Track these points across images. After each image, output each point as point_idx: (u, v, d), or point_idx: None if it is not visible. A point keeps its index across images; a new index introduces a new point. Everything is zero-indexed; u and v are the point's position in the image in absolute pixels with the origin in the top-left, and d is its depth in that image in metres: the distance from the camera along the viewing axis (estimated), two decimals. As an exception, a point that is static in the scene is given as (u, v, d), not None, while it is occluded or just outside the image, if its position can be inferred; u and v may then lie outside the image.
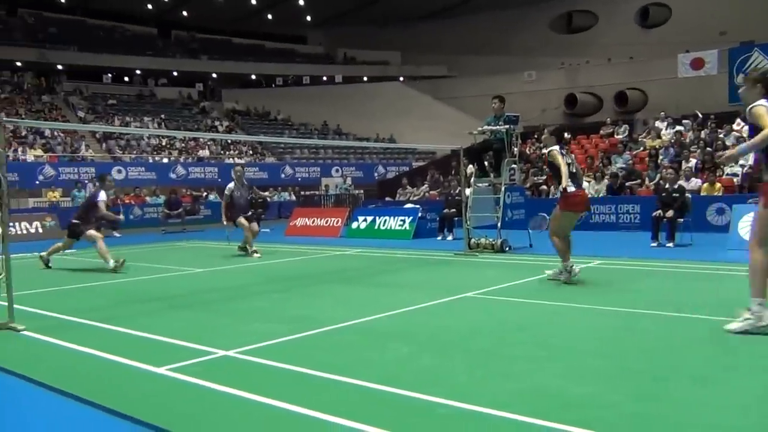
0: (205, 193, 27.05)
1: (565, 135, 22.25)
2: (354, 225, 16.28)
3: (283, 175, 32.30)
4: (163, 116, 35.91)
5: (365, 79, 47.99)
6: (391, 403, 3.60)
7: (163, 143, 32.32)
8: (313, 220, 17.35)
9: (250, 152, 34.61)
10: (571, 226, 7.73)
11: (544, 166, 18.65)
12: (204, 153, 32.62)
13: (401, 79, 47.40)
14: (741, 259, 9.34)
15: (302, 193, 28.86)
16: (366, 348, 4.88)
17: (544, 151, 7.98)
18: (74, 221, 10.81)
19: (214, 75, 46.37)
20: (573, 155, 8.37)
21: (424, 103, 42.76)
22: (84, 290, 8.41)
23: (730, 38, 31.50)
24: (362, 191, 27.19)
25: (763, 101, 5.00)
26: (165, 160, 30.43)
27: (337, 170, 33.83)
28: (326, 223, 16.96)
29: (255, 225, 12.43)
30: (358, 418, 3.31)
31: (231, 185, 12.46)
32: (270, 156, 35.06)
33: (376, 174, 34.55)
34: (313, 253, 12.39)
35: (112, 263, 10.03)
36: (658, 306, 5.99)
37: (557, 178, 7.66)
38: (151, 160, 30.03)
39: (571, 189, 7.41)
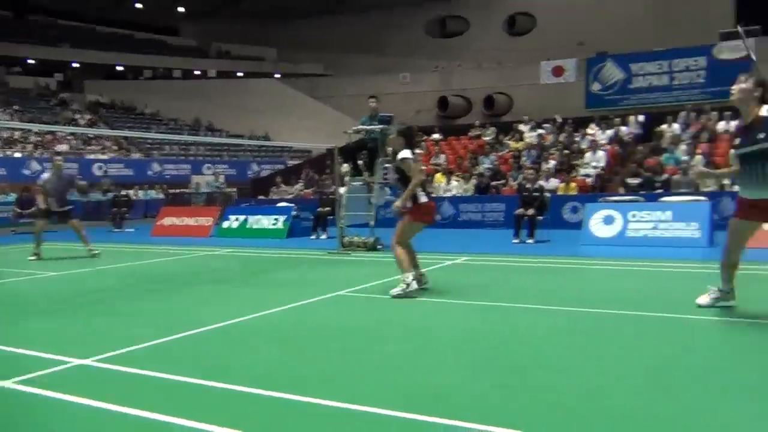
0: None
1: (436, 135, 22.97)
2: (225, 224, 15.87)
3: (150, 172, 30.89)
4: (16, 107, 33.11)
5: (240, 74, 46.92)
6: (263, 405, 3.55)
7: (16, 136, 29.85)
8: (183, 220, 16.70)
9: (115, 148, 32.77)
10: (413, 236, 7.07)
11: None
12: (63, 148, 30.44)
13: (277, 76, 46.81)
14: (593, 254, 10.15)
15: (171, 191, 27.76)
16: (237, 350, 4.78)
17: (399, 157, 6.76)
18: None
19: (76, 64, 43.42)
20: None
21: (301, 101, 42.49)
22: None
23: (587, 49, 33.93)
24: (235, 190, 26.60)
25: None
26: (18, 155, 28.14)
27: (208, 168, 32.83)
28: (196, 222, 16.40)
29: (75, 221, 11.85)
30: (229, 423, 3.23)
31: (45, 175, 11.78)
32: (137, 152, 33.37)
33: (249, 172, 33.91)
34: (182, 254, 11.96)
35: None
36: (520, 299, 6.34)
37: (406, 185, 6.73)
38: (1, 155, 27.66)
39: (424, 199, 6.76)
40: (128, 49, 44.71)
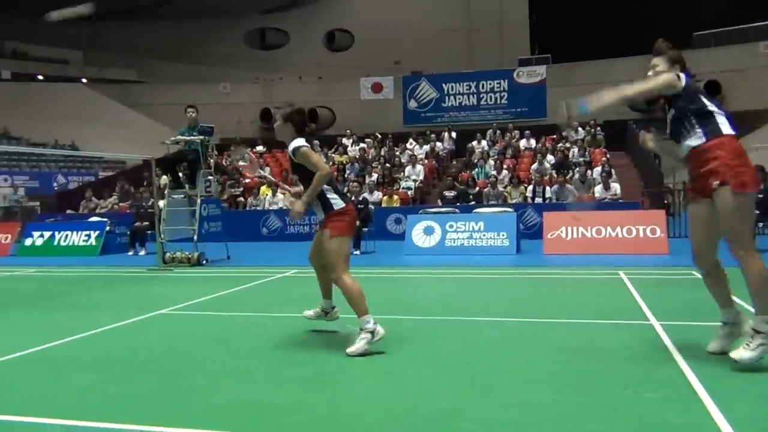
0: None
1: (260, 147, 22.73)
2: (28, 242, 14.37)
3: (-69, 184, 27.13)
4: None
5: (40, 77, 42.87)
6: (72, 438, 3.25)
7: None
8: (-26, 237, 14.87)
9: None
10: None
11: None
12: None
13: (84, 80, 43.45)
14: (415, 263, 10.62)
15: (-42, 205, 24.56)
16: (42, 380, 4.31)
17: (291, 147, 4.91)
18: None
19: None
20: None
21: (111, 108, 39.75)
22: None
23: (403, 68, 35.58)
24: (38, 203, 24.21)
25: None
26: None
27: (5, 179, 29.52)
28: (-9, 239, 14.69)
29: None
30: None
31: None
32: None
33: (55, 184, 31.00)
34: (-26, 276, 10.62)
35: None
36: (346, 310, 6.42)
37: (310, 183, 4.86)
38: None
39: (340, 204, 4.91)
40: None
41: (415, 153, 20.20)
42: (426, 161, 19.49)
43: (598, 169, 16.33)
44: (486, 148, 19.79)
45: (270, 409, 3.57)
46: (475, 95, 29.73)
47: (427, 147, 20.94)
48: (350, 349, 4.64)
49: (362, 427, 3.31)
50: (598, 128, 20.62)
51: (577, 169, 16.77)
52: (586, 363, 4.31)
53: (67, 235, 14.17)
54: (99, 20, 43.43)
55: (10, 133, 34.95)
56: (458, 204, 14.71)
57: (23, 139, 34.01)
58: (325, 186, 4.86)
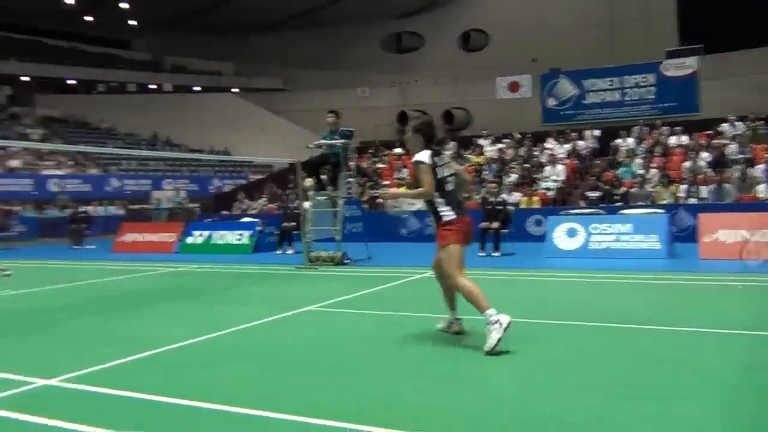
0: (17, 208, 24.52)
1: (398, 150, 23.10)
2: (189, 240, 15.60)
3: (108, 188, 30.19)
4: (-37, 122, 32.08)
5: (197, 89, 46.41)
6: (232, 422, 3.49)
7: (-36, 152, 28.88)
8: (144, 236, 16.35)
9: (71, 163, 31.96)
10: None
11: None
12: (15, 163, 29.57)
13: (235, 90, 46.46)
14: (557, 266, 10.31)
15: (131, 206, 27.18)
16: (204, 368, 4.68)
17: (414, 159, 5.17)
18: None
19: (26, 78, 42.30)
20: (454, 163, 5.48)
21: (259, 115, 42.23)
22: None
23: (540, 65, 34.67)
24: (198, 205, 26.21)
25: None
26: (-34, 171, 27.23)
27: (169, 183, 32.27)
28: (159, 238, 16.07)
29: None
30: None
31: None
32: (93, 167, 32.63)
33: (211, 187, 33.45)
34: (145, 271, 11.69)
35: None
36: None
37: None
38: (-50, 171, 26.72)
39: (450, 216, 5.10)
40: (79, 62, 43.83)
41: (555, 152, 19.60)
42: (567, 160, 18.87)
43: (761, 167, 14.96)
44: (632, 145, 18.80)
45: (412, 406, 3.63)
46: (618, 91, 28.32)
47: (567, 146, 20.25)
48: (487, 346, 4.65)
49: (497, 428, 3.28)
50: (761, 122, 18.88)
51: (737, 166, 15.46)
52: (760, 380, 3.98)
53: (222, 235, 15.23)
54: (249, 33, 46.32)
55: (172, 141, 38.17)
56: (603, 205, 14.08)
57: (183, 146, 36.99)
58: (438, 199, 5.08)
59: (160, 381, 4.30)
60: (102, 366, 4.68)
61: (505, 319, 4.72)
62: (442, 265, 5.19)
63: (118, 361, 4.82)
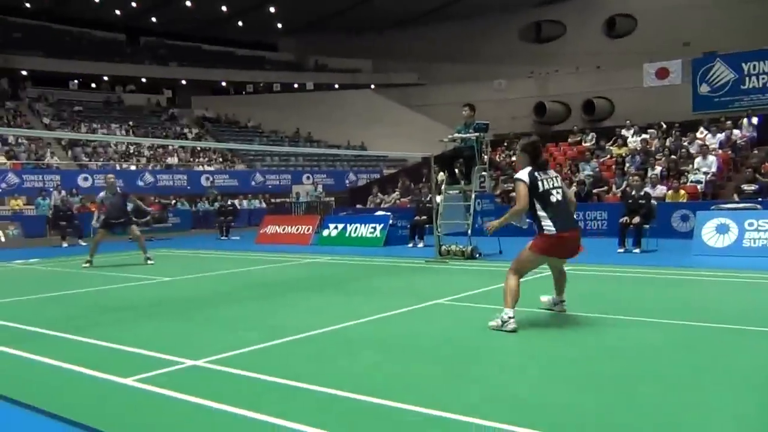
0: (174, 201, 26.72)
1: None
2: (325, 232, 16.21)
3: (253, 183, 32.10)
4: (130, 123, 35.40)
5: (336, 86, 47.98)
6: (362, 410, 3.60)
7: (131, 150, 31.89)
8: (284, 228, 17.23)
9: (220, 159, 34.33)
10: (534, 269, 6.05)
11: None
12: (173, 160, 32.23)
13: (372, 86, 47.50)
14: (705, 264, 9.59)
15: (273, 200, 28.68)
16: (338, 356, 4.86)
17: (515, 177, 5.74)
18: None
19: (183, 82, 45.93)
20: (559, 179, 5.79)
21: (394, 110, 42.87)
22: (49, 300, 8.23)
23: (693, 49, 32.28)
24: (333, 199, 27.12)
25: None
26: (132, 168, 30.01)
27: (308, 177, 33.72)
28: (297, 230, 16.87)
29: (135, 229, 12.80)
30: (329, 426, 3.30)
31: (102, 194, 12.79)
32: (240, 163, 34.81)
33: (347, 181, 34.53)
34: (284, 261, 12.32)
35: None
36: (626, 311, 6.08)
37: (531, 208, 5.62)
38: (118, 168, 29.60)
39: (550, 230, 5.45)
40: (231, 65, 46.82)
41: (707, 142, 18.20)
42: (720, 151, 17.46)
43: None
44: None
45: (545, 406, 3.55)
46: (783, 73, 25.81)
47: (721, 135, 18.73)
48: (490, 323, 5.51)
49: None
50: None
51: None
52: None
53: (356, 227, 15.66)
54: (386, 30, 47.13)
55: (312, 137, 39.81)
56: (760, 199, 12.88)
57: (322, 141, 38.46)
58: (541, 213, 5.49)
59: (297, 367, 4.51)
60: (244, 350, 4.99)
61: (510, 326, 5.35)
62: (518, 258, 5.69)
63: (259, 346, 5.12)
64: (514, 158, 20.73)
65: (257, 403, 3.67)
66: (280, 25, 48.88)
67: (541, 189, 5.48)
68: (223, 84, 47.68)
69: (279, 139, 39.47)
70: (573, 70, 40.54)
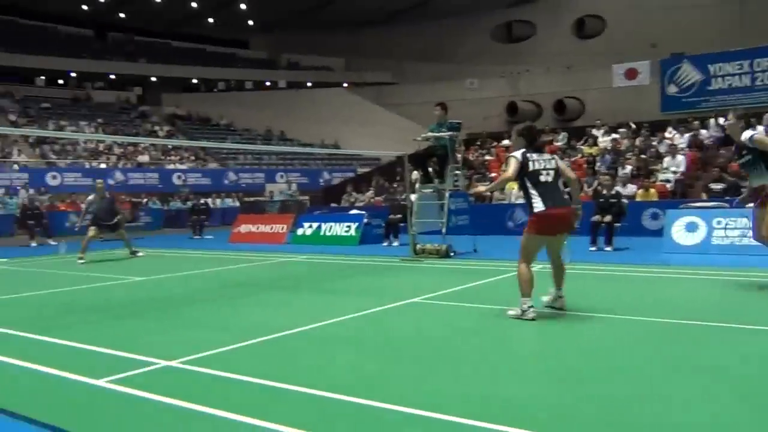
0: (145, 200, 26.37)
1: (506, 141, 22.71)
2: (299, 231, 16.14)
3: (226, 181, 31.83)
4: (100, 120, 34.79)
5: (309, 84, 47.81)
6: (338, 410, 3.59)
7: (101, 148, 31.37)
8: (258, 227, 17.10)
9: (192, 158, 33.95)
10: (537, 251, 6.13)
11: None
12: (144, 158, 31.78)
13: (345, 85, 47.43)
14: (674, 262, 9.77)
15: (246, 199, 28.48)
16: (313, 355, 4.84)
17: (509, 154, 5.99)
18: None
19: (153, 78, 45.30)
20: (558, 160, 6.10)
21: (368, 109, 42.87)
22: (16, 301, 8.06)
23: (660, 50, 32.81)
24: (308, 197, 27.03)
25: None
26: (102, 166, 29.53)
27: (281, 176, 33.54)
28: (271, 229, 16.75)
29: (123, 231, 13.69)
30: (304, 425, 3.29)
31: (90, 197, 13.54)
32: (213, 162, 34.46)
33: (321, 180, 34.42)
34: (259, 260, 12.23)
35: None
36: (596, 309, 6.16)
37: (522, 187, 6.07)
38: (87, 166, 29.11)
39: (540, 208, 5.80)
40: (202, 62, 46.33)
41: (675, 142, 18.53)
42: (688, 151, 17.79)
43: None
44: (763, 133, 17.43)
45: (522, 403, 3.58)
46: (748, 75, 26.36)
47: (688, 135, 19.09)
48: (510, 312, 5.84)
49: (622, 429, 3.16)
50: None
51: None
52: None
53: (331, 226, 15.63)
54: (359, 29, 47.09)
55: (285, 136, 39.60)
56: (727, 198, 13.16)
57: (295, 140, 38.28)
58: (532, 190, 5.86)
59: (272, 366, 4.49)
60: (218, 350, 4.95)
61: (530, 314, 5.64)
62: (520, 248, 6.03)
63: (233, 346, 5.08)
64: (488, 157, 20.96)
65: (233, 404, 3.64)
66: (251, 23, 48.51)
67: (531, 168, 5.81)
68: (194, 81, 47.15)
69: (252, 137, 39.18)
70: (544, 70, 40.95)
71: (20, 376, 4.51)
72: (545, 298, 6.22)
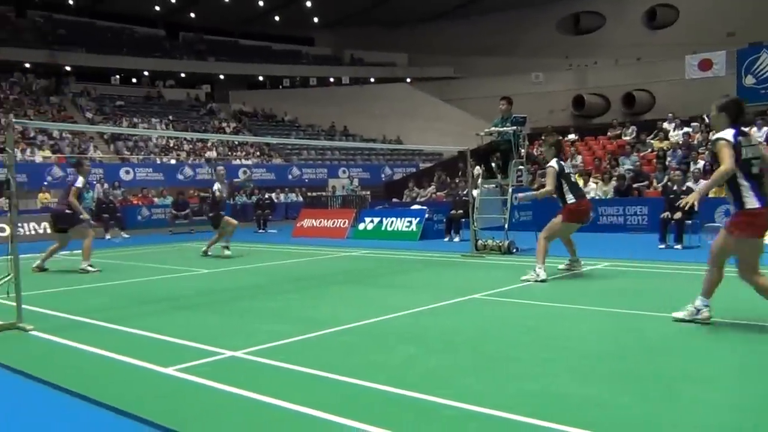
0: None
1: (572, 136, 22.22)
2: (361, 226, 16.26)
3: (290, 176, 32.35)
4: (170, 117, 35.99)
5: (372, 80, 48.02)
6: (397, 404, 3.60)
7: (171, 144, 32.41)
8: (320, 222, 17.34)
9: (258, 153, 34.68)
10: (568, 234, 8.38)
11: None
12: (211, 154, 32.68)
13: (408, 80, 47.40)
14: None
15: (309, 194, 28.89)
16: (373, 349, 4.88)
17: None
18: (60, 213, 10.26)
19: (222, 76, 46.49)
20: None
21: (430, 104, 42.73)
22: (92, 291, 8.45)
23: (738, 39, 31.39)
24: (369, 192, 27.16)
25: (723, 134, 5.03)
26: (173, 161, 30.50)
27: (344, 171, 33.84)
28: (333, 224, 16.96)
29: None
30: (364, 419, 3.31)
31: (217, 185, 12.68)
32: (277, 157, 35.12)
33: (383, 175, 34.54)
34: (320, 255, 12.40)
35: (85, 265, 10.10)
36: (663, 308, 5.95)
37: (558, 191, 8.10)
38: (158, 161, 30.12)
39: (572, 200, 7.89)
40: (268, 60, 47.21)
41: (753, 136, 17.72)
42: (766, 145, 16.98)
43: None
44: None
45: (580, 403, 3.50)
46: (836, 64, 24.93)
47: (767, 129, 18.21)
48: (526, 276, 7.69)
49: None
50: None
51: None
52: None
53: (392, 221, 15.68)
54: (422, 24, 46.97)
55: (348, 131, 39.94)
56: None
57: (358, 135, 38.55)
58: (566, 188, 7.91)
59: (333, 359, 4.54)
60: (282, 342, 5.05)
61: (541, 276, 7.66)
62: (547, 225, 8.18)
63: (296, 338, 5.17)
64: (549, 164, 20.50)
65: (295, 395, 3.70)
66: (316, 20, 49.09)
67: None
68: (260, 78, 48.11)
69: (315, 133, 39.69)
70: (612, 62, 39.85)
71: (93, 362, 4.72)
72: (562, 266, 8.13)
